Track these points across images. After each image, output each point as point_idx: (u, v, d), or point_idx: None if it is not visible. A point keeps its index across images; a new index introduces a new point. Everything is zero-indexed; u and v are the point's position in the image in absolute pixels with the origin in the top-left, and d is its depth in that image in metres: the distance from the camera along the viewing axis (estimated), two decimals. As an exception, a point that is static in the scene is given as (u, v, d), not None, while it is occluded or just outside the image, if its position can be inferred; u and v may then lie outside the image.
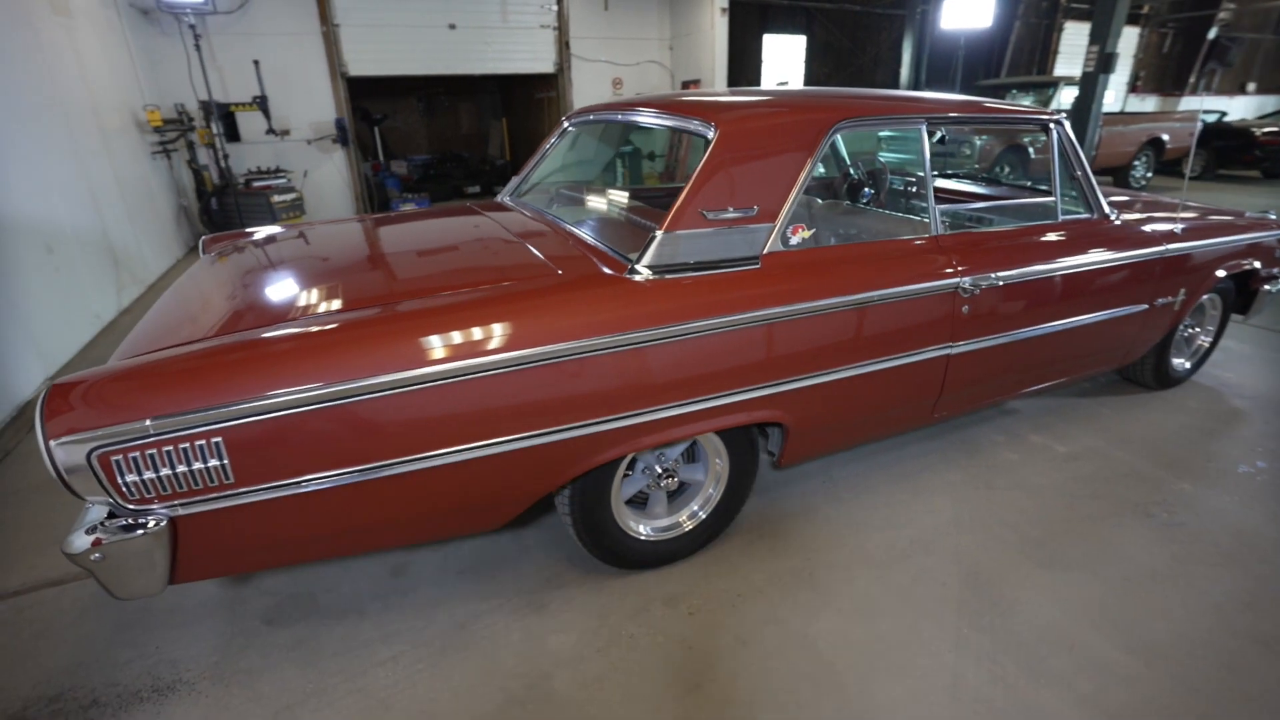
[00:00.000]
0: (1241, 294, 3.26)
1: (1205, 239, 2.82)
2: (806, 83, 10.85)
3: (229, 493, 1.41)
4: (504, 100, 11.39)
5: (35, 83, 4.16)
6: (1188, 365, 3.28)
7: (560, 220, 2.33)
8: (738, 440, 2.06)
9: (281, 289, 1.82)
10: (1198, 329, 3.27)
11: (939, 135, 2.68)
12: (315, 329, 1.47)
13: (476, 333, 1.54)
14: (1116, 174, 9.13)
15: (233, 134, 6.81)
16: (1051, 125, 2.48)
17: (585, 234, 2.11)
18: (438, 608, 1.99)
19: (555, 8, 8.39)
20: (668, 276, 1.78)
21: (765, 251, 1.89)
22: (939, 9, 8.56)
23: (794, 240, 1.97)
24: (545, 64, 8.67)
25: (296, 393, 1.37)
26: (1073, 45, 12.13)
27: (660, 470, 2.05)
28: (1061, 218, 2.51)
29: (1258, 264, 3.11)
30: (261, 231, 2.62)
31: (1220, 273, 2.96)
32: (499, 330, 1.56)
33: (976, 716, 1.62)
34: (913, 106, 2.19)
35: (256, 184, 6.59)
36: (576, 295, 1.67)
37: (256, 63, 6.81)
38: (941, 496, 2.47)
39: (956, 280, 2.12)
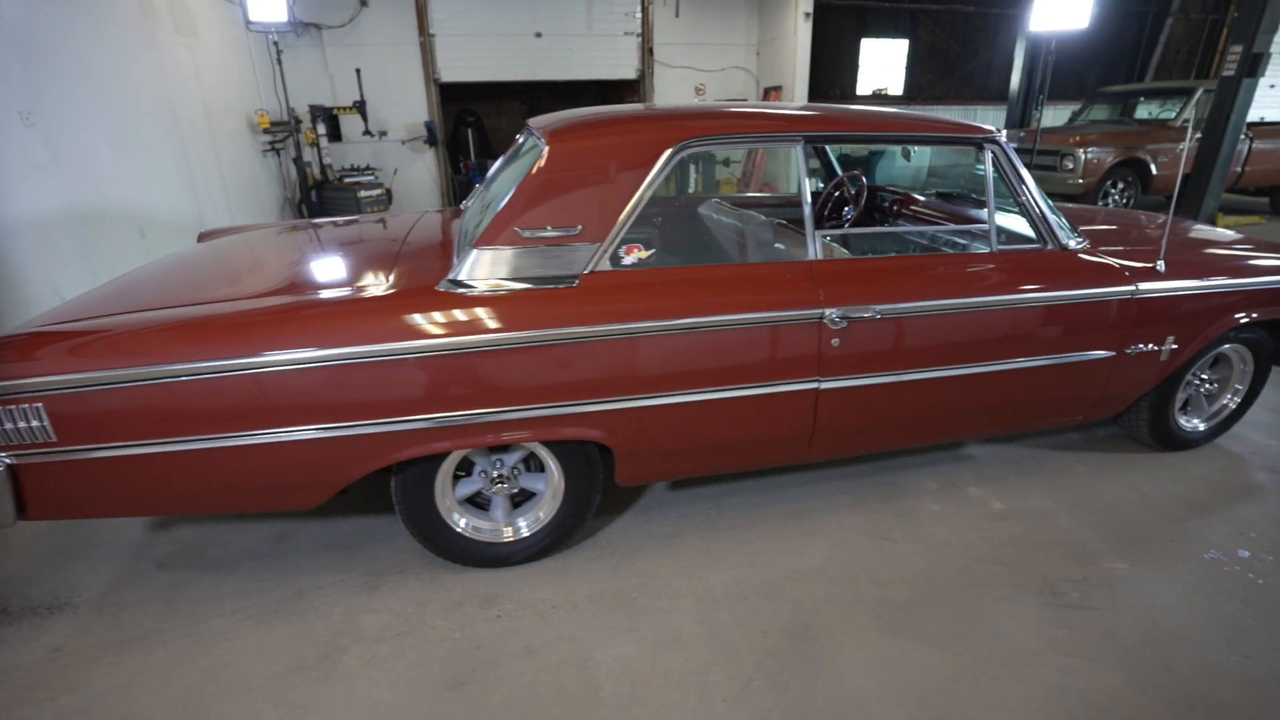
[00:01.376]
0: (1288, 348, 2.72)
1: (1202, 279, 2.39)
2: (908, 89, 10.15)
3: (53, 450, 1.68)
4: (603, 103, 11.74)
5: (153, 93, 4.97)
6: (1201, 426, 2.78)
7: (455, 230, 2.45)
8: (572, 455, 2.08)
9: (156, 284, 2.10)
10: (1216, 384, 2.76)
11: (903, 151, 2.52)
12: (137, 320, 1.71)
13: (272, 333, 1.70)
14: (1275, 195, 7.71)
15: (336, 134, 7.63)
16: (985, 144, 2.23)
17: (456, 246, 2.22)
18: (294, 574, 2.20)
19: (639, 15, 8.54)
20: (479, 291, 1.85)
21: (587, 271, 1.90)
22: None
23: (628, 260, 1.96)
24: (627, 70, 8.84)
25: (98, 375, 1.61)
26: (1251, 42, 10.31)
27: (495, 475, 2.12)
28: (998, 247, 2.26)
29: (1299, 314, 2.58)
30: (249, 231, 2.98)
31: (1243, 318, 2.49)
32: (293, 332, 1.71)
33: (707, 770, 1.54)
34: (787, 124, 2.07)
35: (348, 180, 7.36)
36: (376, 305, 1.79)
37: (358, 70, 7.58)
38: (825, 540, 2.31)
39: (820, 310, 1.99)
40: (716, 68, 9.05)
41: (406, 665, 1.84)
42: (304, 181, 7.41)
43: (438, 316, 1.79)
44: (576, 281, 1.88)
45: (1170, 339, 2.43)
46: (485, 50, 8.20)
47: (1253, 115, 10.53)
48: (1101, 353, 2.36)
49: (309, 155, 7.48)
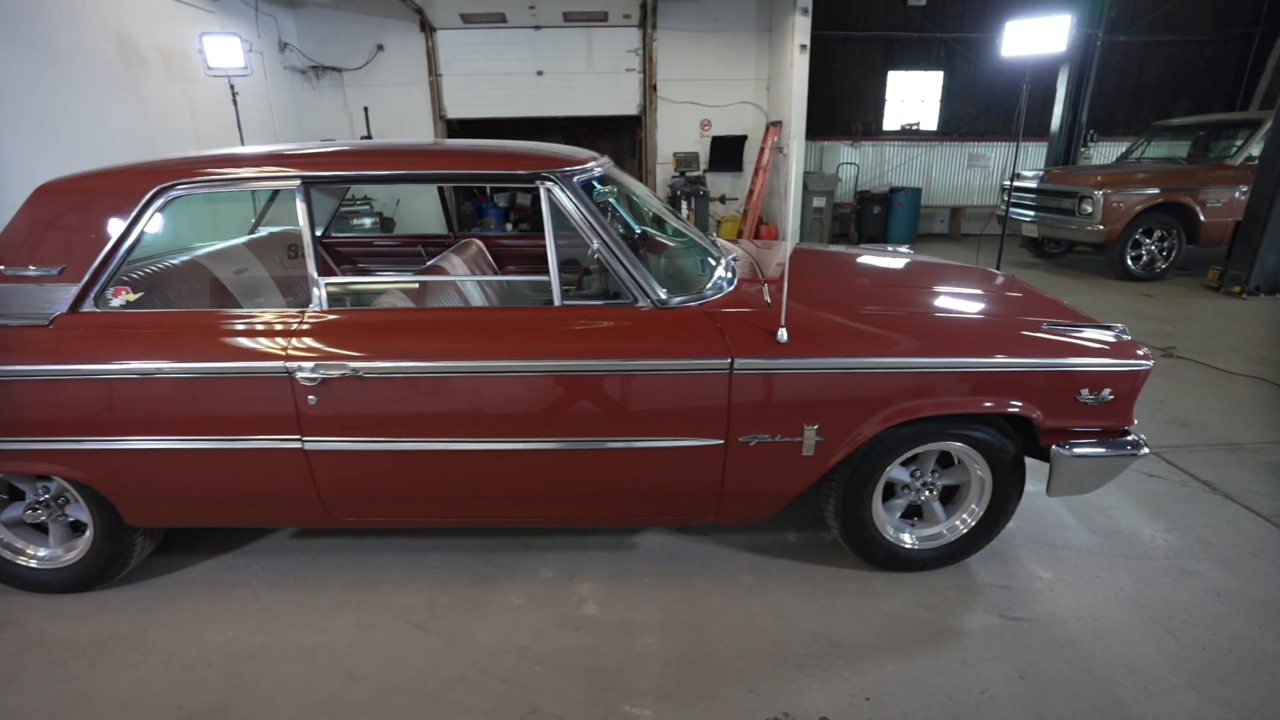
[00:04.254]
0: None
1: (840, 355, 1.89)
2: (942, 124, 9.16)
3: None
4: (607, 138, 11.79)
5: (134, 137, 5.66)
6: (909, 542, 2.18)
7: None
8: (98, 498, 2.04)
9: None
10: (933, 490, 2.16)
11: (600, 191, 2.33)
12: None
13: None
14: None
15: (348, 168, 8.31)
16: (536, 182, 1.95)
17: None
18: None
19: (641, 52, 8.52)
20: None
21: (65, 312, 1.88)
22: (1106, 34, 6.56)
23: (115, 303, 1.92)
24: (628, 106, 8.83)
25: None
26: None
27: (37, 500, 2.12)
28: (564, 301, 1.94)
29: (1037, 412, 1.97)
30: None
31: (924, 409, 1.94)
32: None
33: None
34: (281, 165, 1.94)
35: (344, 209, 7.96)
36: None
37: (365, 109, 8.21)
38: (355, 617, 2.07)
39: (284, 364, 1.82)
40: (723, 102, 8.78)
41: None
42: (312, 209, 8.11)
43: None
44: (48, 321, 1.88)
45: (811, 429, 1.95)
46: (489, 89, 8.57)
47: None
48: (701, 440, 1.94)
49: (320, 186, 8.19)
